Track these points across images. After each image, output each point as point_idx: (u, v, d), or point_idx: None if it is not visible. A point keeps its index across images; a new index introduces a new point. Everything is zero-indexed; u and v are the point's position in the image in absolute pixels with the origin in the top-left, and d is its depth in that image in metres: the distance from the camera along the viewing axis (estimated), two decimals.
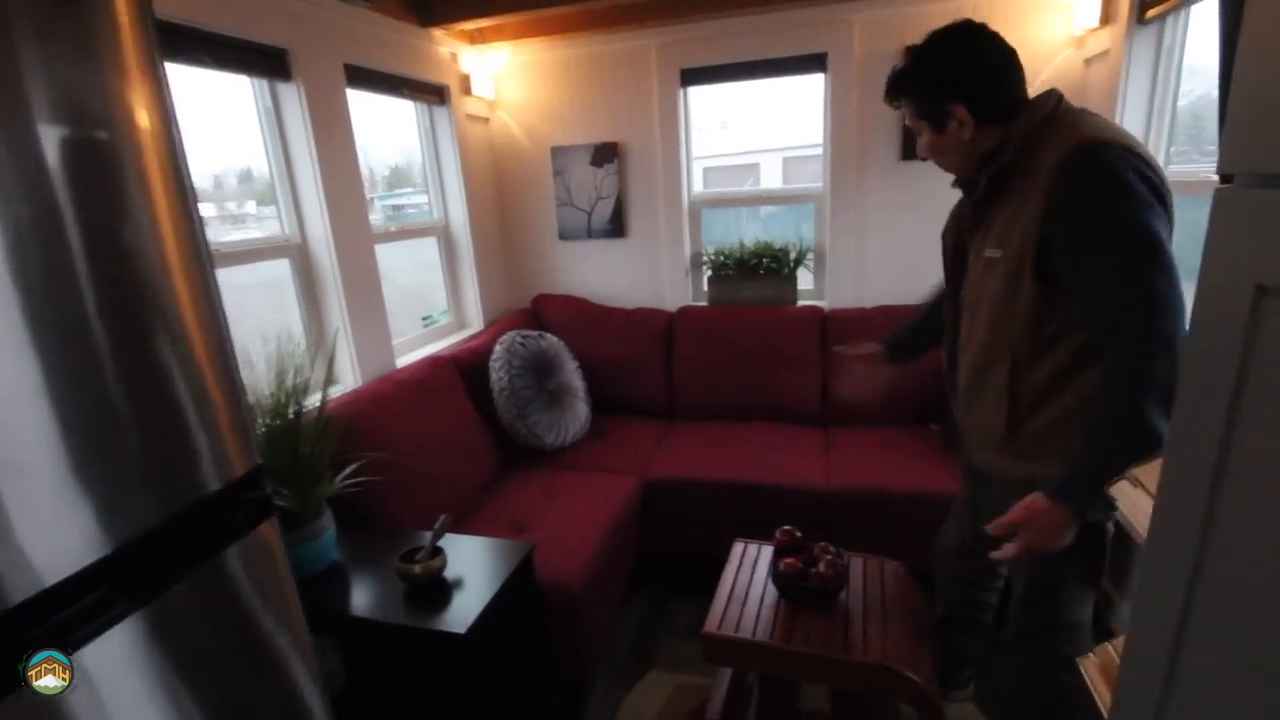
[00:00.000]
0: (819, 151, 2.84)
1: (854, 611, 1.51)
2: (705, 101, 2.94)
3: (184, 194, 0.83)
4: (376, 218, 3.04)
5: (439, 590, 1.44)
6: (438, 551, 1.48)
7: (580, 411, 2.61)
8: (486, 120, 3.05)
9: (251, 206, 2.27)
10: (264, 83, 1.94)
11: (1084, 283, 1.08)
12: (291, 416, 1.51)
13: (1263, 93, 0.53)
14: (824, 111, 2.75)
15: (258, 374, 1.49)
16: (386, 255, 2.53)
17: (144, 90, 0.78)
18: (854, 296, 2.81)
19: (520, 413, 2.36)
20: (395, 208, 3.20)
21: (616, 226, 3.03)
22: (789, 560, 1.54)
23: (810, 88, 2.85)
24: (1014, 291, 1.16)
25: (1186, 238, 2.09)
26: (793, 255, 2.87)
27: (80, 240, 0.71)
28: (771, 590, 1.58)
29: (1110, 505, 1.19)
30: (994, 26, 1.20)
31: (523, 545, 1.61)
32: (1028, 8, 2.39)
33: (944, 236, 1.41)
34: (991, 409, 1.25)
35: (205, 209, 2.14)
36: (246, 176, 2.22)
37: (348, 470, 1.56)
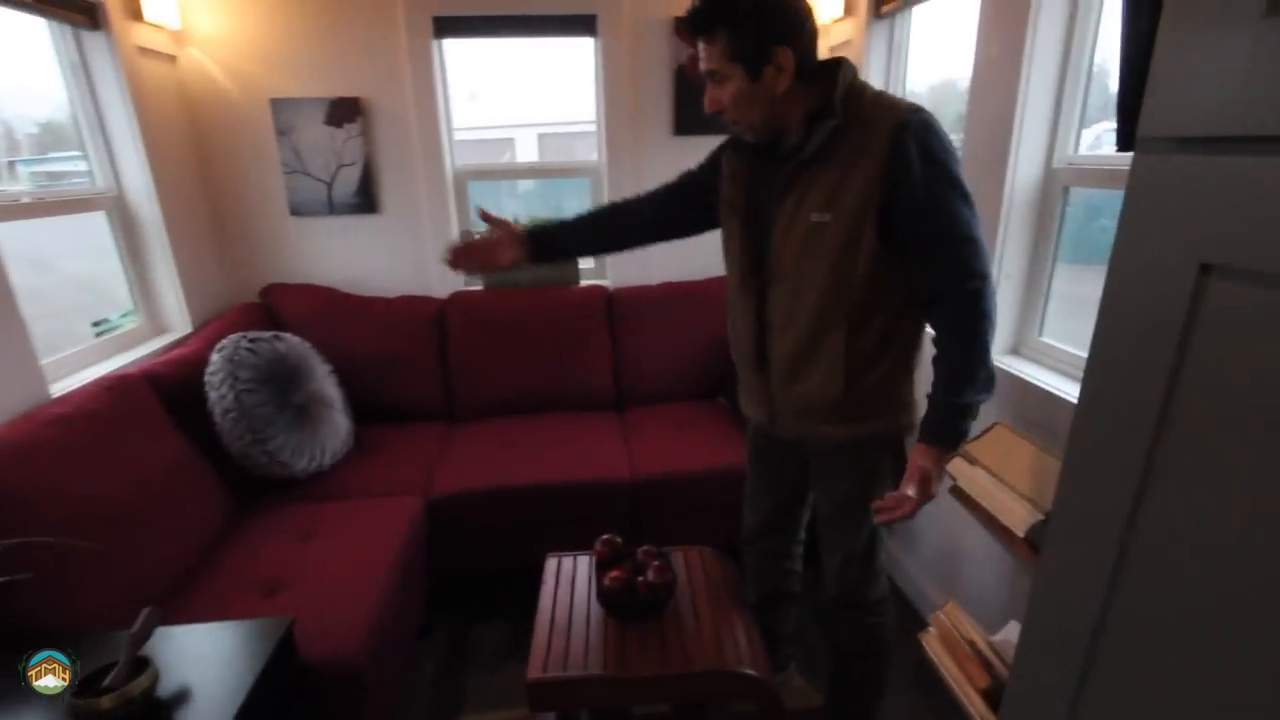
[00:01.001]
0: (577, 129, 2.69)
1: (684, 613, 1.41)
2: (453, 69, 2.59)
3: None
4: (20, 187, 2.16)
5: None
6: (140, 665, 1.03)
7: (339, 425, 2.16)
8: (173, 59, 2.33)
9: None
10: None
11: (929, 238, 1.10)
12: None
13: (1186, 54, 0.46)
14: (596, 79, 2.60)
15: None
16: (49, 236, 1.79)
17: None
18: (639, 274, 2.73)
19: (256, 437, 1.85)
20: (52, 175, 2.30)
21: (365, 200, 2.55)
22: (614, 574, 1.38)
23: (569, 58, 2.67)
24: (852, 256, 1.13)
25: None
26: None
27: None
28: (596, 609, 1.42)
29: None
30: None
31: (277, 622, 1.22)
32: None
33: (729, 205, 1.29)
34: (825, 378, 1.22)
35: None
36: None
37: None
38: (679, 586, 1.47)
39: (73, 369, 1.86)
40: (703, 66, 1.15)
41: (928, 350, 1.21)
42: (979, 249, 1.11)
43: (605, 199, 2.67)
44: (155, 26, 2.20)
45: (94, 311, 2.17)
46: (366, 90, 2.46)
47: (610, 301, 2.61)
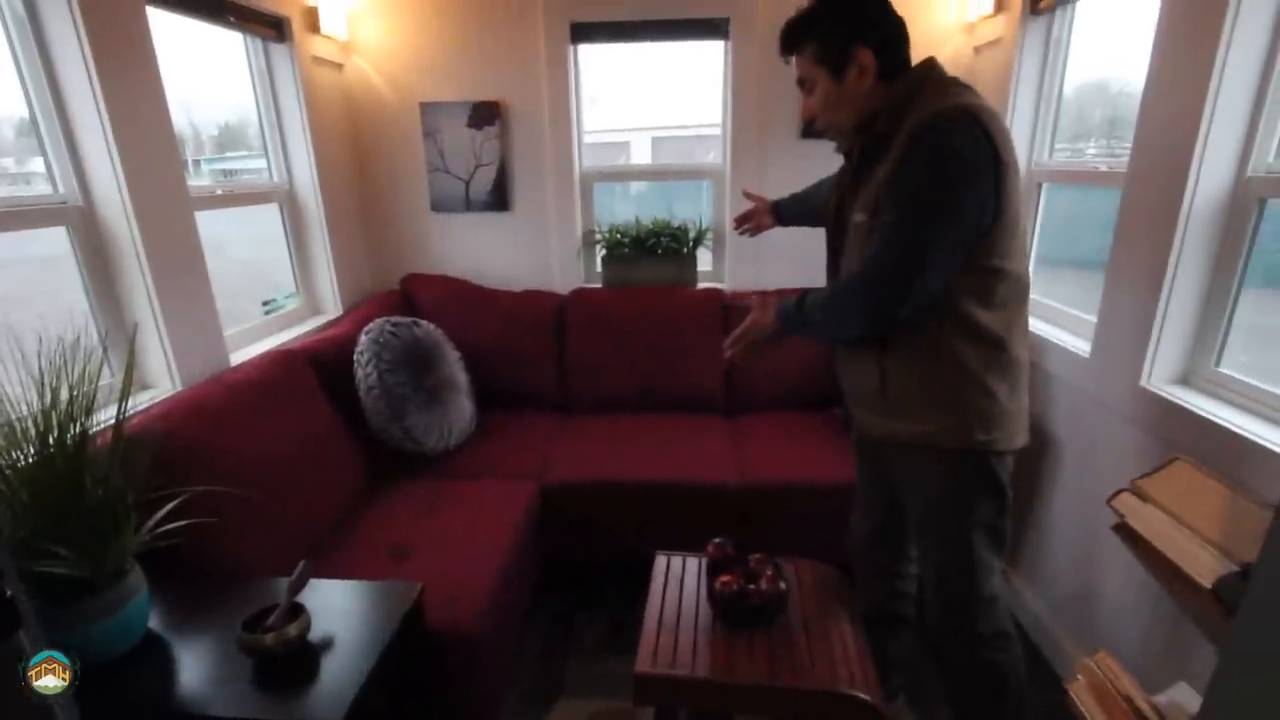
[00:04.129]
0: (692, 132, 2.70)
1: (794, 628, 1.38)
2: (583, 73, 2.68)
3: None
4: (203, 182, 2.47)
5: (301, 662, 1.11)
6: (297, 610, 1.15)
7: (464, 408, 2.29)
8: (340, 66, 2.57)
9: (39, 165, 1.68)
10: None
11: (880, 221, 1.14)
12: (70, 443, 1.09)
13: None
14: (724, 82, 2.59)
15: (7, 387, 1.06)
16: (221, 226, 2.04)
17: None
18: (754, 278, 2.71)
19: (395, 414, 2.00)
20: (226, 173, 2.62)
21: (499, 198, 2.69)
22: (725, 579, 1.37)
23: (691, 62, 2.70)
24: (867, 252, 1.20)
25: (1060, 221, 2.17)
26: (692, 234, 2.72)
27: None
28: (705, 612, 1.41)
29: (992, 446, 1.22)
30: None
31: (409, 587, 1.31)
32: None
33: (827, 208, 1.40)
34: (864, 368, 1.30)
35: None
36: (30, 128, 1.63)
37: (161, 512, 1.17)
38: (790, 598, 1.43)
39: (247, 342, 2.10)
40: (796, 79, 1.28)
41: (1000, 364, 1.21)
42: (915, 243, 1.10)
43: (728, 202, 2.66)
44: (328, 38, 2.44)
45: (257, 290, 2.44)
46: (505, 94, 2.59)
47: (726, 304, 2.60)
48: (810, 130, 2.51)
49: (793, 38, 1.25)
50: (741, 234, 1.86)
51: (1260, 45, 1.31)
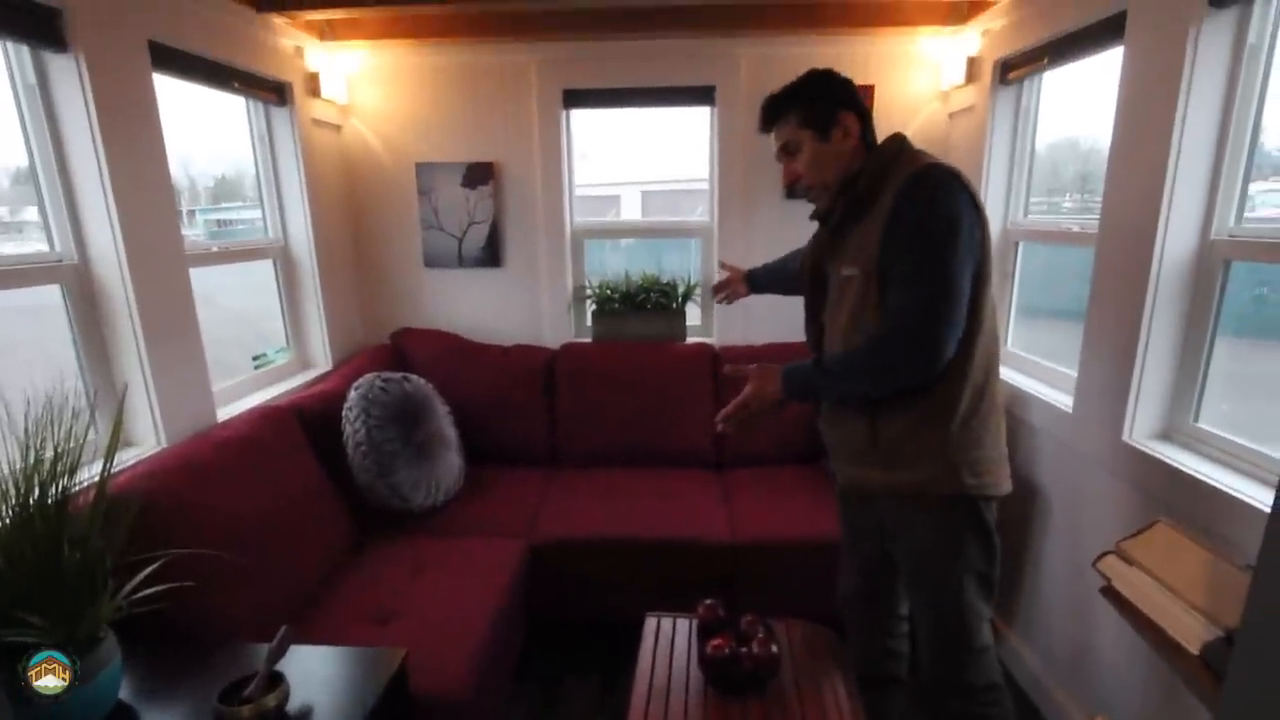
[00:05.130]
0: (681, 187, 2.78)
1: (787, 691, 1.35)
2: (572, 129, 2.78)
3: None
4: (197, 233, 2.51)
5: None
6: (276, 679, 1.11)
7: (453, 464, 2.27)
8: (338, 128, 2.65)
9: (33, 214, 1.71)
10: (22, 49, 1.47)
11: (897, 273, 1.18)
12: (50, 504, 1.08)
13: None
14: (711, 145, 2.69)
15: None
16: (213, 275, 2.06)
17: None
18: (743, 333, 2.74)
19: (382, 471, 1.98)
20: (221, 223, 2.67)
21: (491, 254, 2.74)
22: (716, 642, 1.35)
23: (679, 119, 2.80)
24: (864, 304, 1.24)
25: (1039, 272, 2.23)
26: (681, 290, 2.77)
27: None
28: (696, 676, 1.38)
29: (980, 492, 1.25)
30: (869, 77, 1.50)
31: (392, 653, 1.28)
32: (899, 61, 2.49)
33: (801, 265, 1.46)
34: (850, 420, 1.32)
35: None
36: (26, 177, 1.67)
37: (139, 578, 1.14)
38: (781, 660, 1.41)
39: (235, 397, 2.09)
40: (776, 148, 1.36)
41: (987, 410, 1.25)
42: (921, 301, 1.15)
43: (715, 258, 2.72)
44: (328, 101, 2.52)
45: (247, 340, 2.44)
46: (499, 155, 2.67)
47: (715, 359, 2.63)
48: (794, 192, 2.60)
49: (776, 109, 1.33)
50: (719, 302, 1.99)
51: (1214, 116, 1.39)
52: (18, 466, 1.07)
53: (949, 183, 1.17)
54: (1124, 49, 1.56)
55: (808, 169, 1.31)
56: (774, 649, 1.34)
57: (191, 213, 2.51)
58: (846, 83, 1.32)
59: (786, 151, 1.34)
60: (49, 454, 1.09)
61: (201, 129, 2.32)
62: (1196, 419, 1.50)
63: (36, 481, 1.06)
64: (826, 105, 1.28)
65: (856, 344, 1.26)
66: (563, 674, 2.05)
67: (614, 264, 2.98)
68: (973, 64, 2.31)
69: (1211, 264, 1.44)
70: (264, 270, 2.42)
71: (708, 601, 1.46)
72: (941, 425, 1.23)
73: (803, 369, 1.31)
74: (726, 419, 1.36)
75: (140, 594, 1.12)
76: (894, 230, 1.18)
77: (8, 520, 1.04)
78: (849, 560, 1.57)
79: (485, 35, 2.47)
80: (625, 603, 2.03)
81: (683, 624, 1.55)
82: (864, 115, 1.31)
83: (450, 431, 2.34)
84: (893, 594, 1.52)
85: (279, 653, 1.15)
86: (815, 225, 1.43)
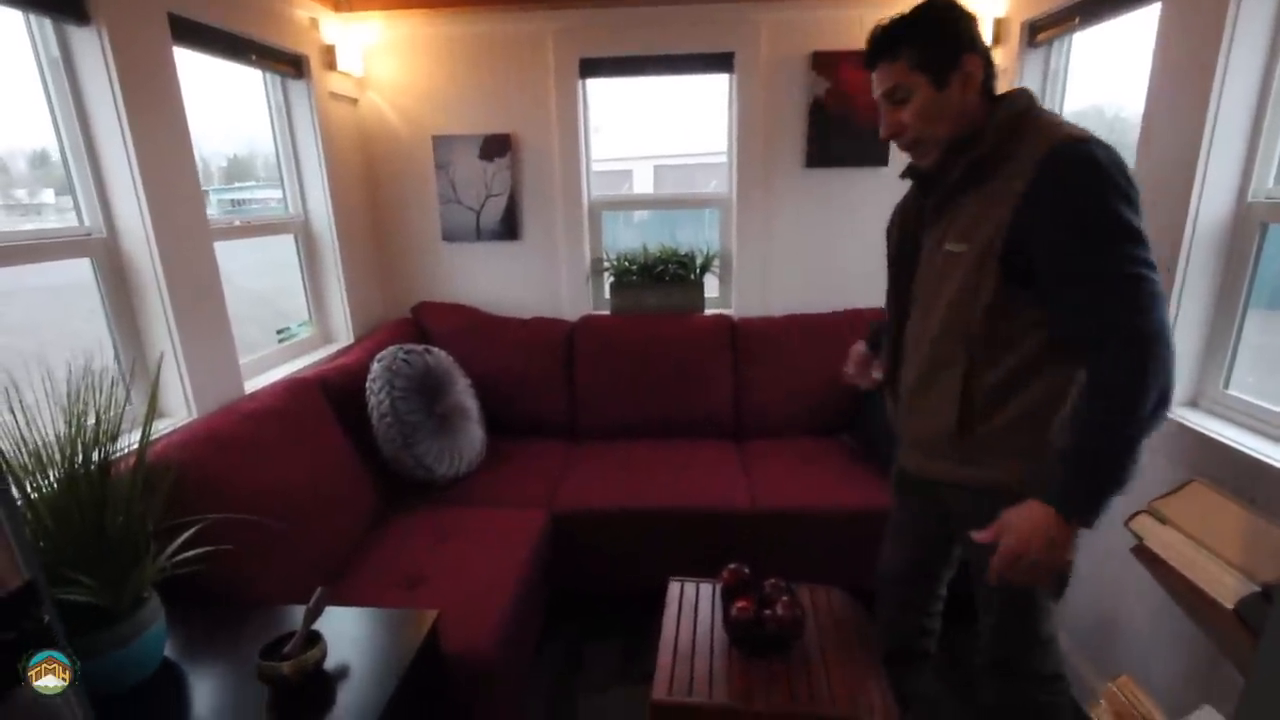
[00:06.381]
0: (694, 161, 2.75)
1: (811, 654, 1.37)
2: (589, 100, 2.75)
3: None
4: (212, 212, 2.52)
5: (318, 691, 1.10)
6: (314, 638, 1.15)
7: (474, 435, 2.30)
8: (355, 101, 2.64)
9: (49, 196, 1.73)
10: (45, 22, 1.47)
11: (1067, 277, 1.01)
12: (94, 471, 1.11)
13: None
14: (729, 113, 2.65)
15: (34, 414, 1.08)
16: (230, 255, 2.08)
17: None
18: (761, 304, 2.73)
19: (406, 441, 2.01)
20: (234, 203, 2.68)
21: (509, 228, 2.74)
22: (741, 604, 1.37)
23: (695, 92, 2.76)
24: (976, 287, 1.08)
25: None
26: (699, 261, 2.75)
27: None
28: (720, 638, 1.41)
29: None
30: None
31: (424, 614, 1.31)
32: None
33: (889, 231, 1.33)
34: (941, 410, 1.17)
35: None
36: (42, 160, 1.69)
37: (180, 540, 1.17)
38: (806, 624, 1.43)
39: (260, 370, 2.13)
40: (878, 91, 1.14)
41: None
42: (1134, 291, 0.96)
43: (734, 229, 2.70)
44: (344, 74, 2.51)
45: (269, 317, 2.46)
46: (516, 127, 2.65)
47: (734, 330, 2.62)
48: (818, 159, 2.55)
49: (891, 41, 1.09)
50: (849, 382, 1.62)
51: (1256, 74, 1.35)
52: (62, 434, 1.10)
53: (1109, 151, 0.99)
54: (1160, 5, 1.51)
55: (916, 119, 1.10)
56: (798, 611, 1.36)
57: (205, 193, 2.52)
58: (971, 17, 1.08)
59: (891, 99, 1.12)
60: (90, 420, 1.12)
61: (213, 108, 2.32)
62: (1227, 385, 1.48)
63: (80, 446, 1.09)
64: (949, 47, 1.06)
65: (967, 331, 1.09)
66: (583, 643, 2.09)
67: (626, 239, 2.96)
68: (1000, 25, 2.25)
69: (1248, 226, 1.40)
70: (281, 248, 2.43)
71: (732, 565, 1.48)
72: (1044, 423, 1.09)
73: (1068, 487, 1.00)
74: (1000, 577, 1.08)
75: (180, 556, 1.15)
76: (1044, 215, 1.00)
77: (55, 484, 1.07)
78: (895, 543, 1.48)
79: (501, 3, 2.44)
80: (645, 574, 2.05)
81: (705, 588, 1.57)
82: (988, 59, 1.09)
83: (471, 403, 2.36)
84: (938, 578, 1.46)
85: (316, 612, 1.18)
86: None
